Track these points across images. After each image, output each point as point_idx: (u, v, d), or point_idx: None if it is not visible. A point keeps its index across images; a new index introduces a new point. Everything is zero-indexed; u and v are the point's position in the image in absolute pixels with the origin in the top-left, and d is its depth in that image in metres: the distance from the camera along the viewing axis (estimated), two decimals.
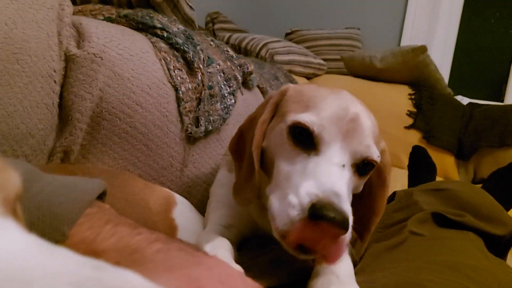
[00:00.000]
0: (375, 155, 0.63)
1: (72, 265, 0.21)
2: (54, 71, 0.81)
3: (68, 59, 0.85)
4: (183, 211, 0.82)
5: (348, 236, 0.54)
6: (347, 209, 0.54)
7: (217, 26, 2.72)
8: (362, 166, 0.63)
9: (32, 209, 0.41)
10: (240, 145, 0.76)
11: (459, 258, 0.69)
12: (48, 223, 0.40)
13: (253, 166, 0.66)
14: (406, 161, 1.66)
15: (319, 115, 0.61)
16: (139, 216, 0.73)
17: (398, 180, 1.74)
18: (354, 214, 0.59)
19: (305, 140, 0.61)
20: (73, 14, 0.98)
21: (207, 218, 0.82)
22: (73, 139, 0.84)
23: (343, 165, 0.60)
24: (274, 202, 0.59)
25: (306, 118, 0.61)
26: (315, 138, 0.61)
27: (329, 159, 0.59)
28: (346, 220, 0.52)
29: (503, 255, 0.86)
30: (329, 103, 0.63)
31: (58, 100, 0.84)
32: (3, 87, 0.72)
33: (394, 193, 1.06)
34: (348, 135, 0.61)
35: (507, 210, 1.32)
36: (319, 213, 0.51)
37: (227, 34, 2.60)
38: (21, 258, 0.21)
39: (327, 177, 0.57)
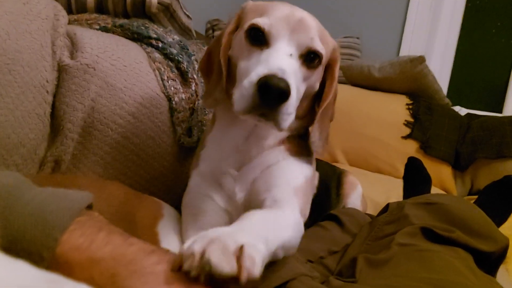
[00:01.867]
0: (318, 46, 0.75)
1: (27, 279, 0.21)
2: (47, 81, 0.82)
3: (61, 69, 0.85)
4: (168, 224, 0.82)
5: (291, 105, 0.67)
6: (290, 81, 0.66)
7: (217, 33, 2.73)
8: (309, 58, 0.75)
9: (24, 216, 0.42)
10: (208, 64, 0.86)
11: (447, 276, 0.68)
12: (41, 229, 0.41)
13: (221, 72, 0.79)
14: (402, 171, 1.65)
15: (270, 17, 0.74)
16: (124, 231, 0.73)
17: (394, 190, 1.74)
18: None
19: (259, 39, 0.74)
20: (69, 23, 0.99)
21: (184, 236, 0.83)
22: (64, 149, 0.85)
23: (291, 54, 0.72)
24: (235, 93, 0.69)
25: (259, 20, 0.74)
26: (266, 35, 0.73)
27: (278, 50, 0.71)
28: (287, 85, 0.64)
29: (493, 272, 0.85)
30: (280, 9, 0.76)
31: (50, 110, 0.84)
32: None
33: (388, 205, 1.05)
34: (295, 31, 0.73)
35: (501, 223, 1.32)
36: (264, 82, 0.63)
37: None
38: None
39: (275, 60, 0.68)
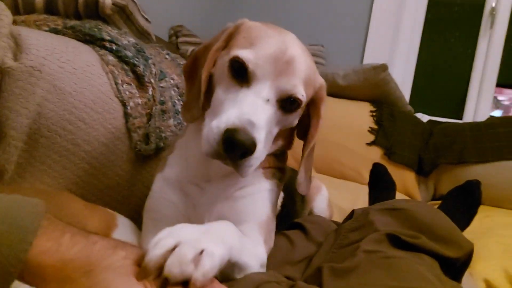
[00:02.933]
0: (299, 94, 0.71)
1: None
2: None
3: (3, 72, 0.79)
4: (122, 234, 0.77)
5: (256, 158, 0.65)
6: (258, 136, 0.64)
7: (181, 39, 2.68)
8: (289, 103, 0.72)
9: None
10: (193, 69, 0.81)
11: (413, 283, 0.67)
12: (16, 235, 0.44)
13: (200, 88, 0.74)
14: (367, 177, 1.65)
15: (257, 53, 0.69)
16: None
17: (360, 196, 1.74)
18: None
19: (241, 74, 0.69)
20: (16, 24, 0.92)
21: (143, 242, 0.78)
22: (6, 158, 0.78)
23: (268, 100, 0.69)
24: (205, 127, 0.68)
25: (244, 54, 0.69)
26: (248, 73, 0.69)
27: (257, 93, 0.68)
28: (252, 143, 0.63)
29: (458, 277, 0.84)
30: (271, 44, 0.70)
31: None
32: None
33: (353, 211, 1.03)
34: (280, 74, 0.69)
35: (465, 227, 1.33)
36: (230, 136, 0.62)
37: (191, 48, 2.56)
38: None
39: (249, 108, 0.65)
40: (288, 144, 0.89)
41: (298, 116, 0.79)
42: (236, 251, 0.61)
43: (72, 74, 0.85)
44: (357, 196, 1.75)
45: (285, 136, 0.85)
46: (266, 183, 0.83)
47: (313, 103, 0.81)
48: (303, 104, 0.75)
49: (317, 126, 0.81)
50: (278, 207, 0.99)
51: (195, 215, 0.80)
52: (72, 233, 0.49)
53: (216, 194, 0.79)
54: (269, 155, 0.83)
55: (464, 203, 1.37)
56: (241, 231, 0.74)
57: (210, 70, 0.76)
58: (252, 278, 0.68)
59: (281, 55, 0.70)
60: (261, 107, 0.68)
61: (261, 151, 0.67)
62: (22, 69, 0.79)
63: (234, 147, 0.62)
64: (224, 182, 0.80)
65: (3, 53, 0.80)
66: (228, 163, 0.66)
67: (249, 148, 0.63)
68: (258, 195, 0.82)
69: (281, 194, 0.98)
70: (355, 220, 0.97)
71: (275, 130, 0.75)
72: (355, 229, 0.92)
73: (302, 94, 0.72)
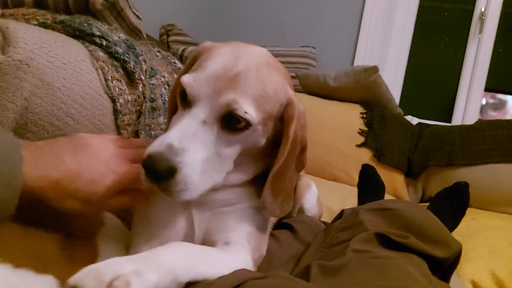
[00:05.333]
0: (239, 110, 0.65)
1: None
2: None
3: None
4: (110, 232, 0.76)
5: (188, 183, 0.62)
6: (183, 159, 0.61)
7: (171, 38, 2.67)
8: (235, 122, 0.66)
9: None
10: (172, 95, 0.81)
11: (402, 283, 0.67)
12: (7, 162, 0.53)
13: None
14: (357, 179, 1.66)
15: (198, 75, 0.66)
16: (61, 240, 0.66)
17: (349, 197, 1.74)
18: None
19: (186, 98, 0.67)
20: (4, 17, 0.91)
21: (132, 244, 0.76)
22: None
23: (204, 121, 0.65)
24: None
25: (185, 79, 0.66)
26: (188, 96, 0.67)
27: (193, 115, 0.65)
28: (166, 167, 0.60)
29: (446, 278, 0.84)
30: (216, 63, 0.67)
31: None
32: None
33: (342, 211, 1.04)
34: (219, 92, 0.65)
35: (453, 229, 1.34)
36: (145, 161, 0.61)
37: (182, 47, 2.55)
38: None
39: (176, 132, 0.63)
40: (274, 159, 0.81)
41: (260, 135, 0.72)
42: (188, 270, 0.60)
43: (61, 69, 0.84)
44: (346, 197, 1.76)
45: (266, 155, 0.79)
46: (257, 201, 0.79)
47: (285, 122, 0.74)
48: (257, 122, 0.68)
49: (284, 148, 0.73)
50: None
51: (185, 214, 0.78)
52: (46, 155, 0.59)
53: (206, 206, 0.77)
54: (257, 176, 0.80)
55: (452, 205, 1.38)
56: (227, 238, 0.74)
57: (175, 95, 0.75)
58: (234, 275, 0.67)
59: (225, 73, 0.66)
60: (193, 130, 0.64)
61: (195, 174, 0.64)
62: (10, 63, 0.78)
63: (151, 172, 0.62)
64: (214, 196, 0.77)
65: None
66: (157, 186, 0.64)
67: (162, 172, 0.61)
68: (249, 210, 0.79)
69: None
70: (344, 219, 0.97)
71: (230, 151, 0.70)
72: (344, 229, 0.91)
73: (244, 110, 0.65)
